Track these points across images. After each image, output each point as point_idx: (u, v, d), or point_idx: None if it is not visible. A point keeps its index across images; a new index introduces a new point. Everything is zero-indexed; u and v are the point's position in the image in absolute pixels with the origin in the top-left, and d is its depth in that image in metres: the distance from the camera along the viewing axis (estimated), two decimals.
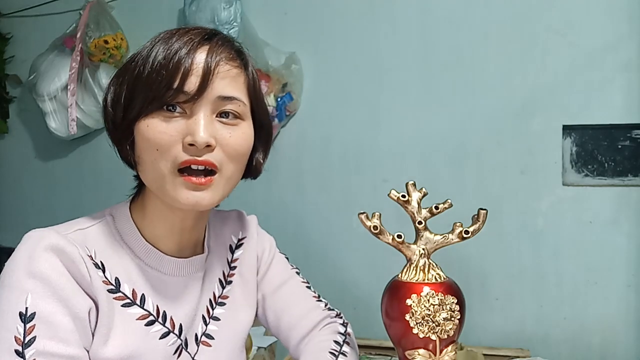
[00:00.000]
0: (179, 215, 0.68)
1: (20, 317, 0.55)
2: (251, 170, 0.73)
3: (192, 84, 0.61)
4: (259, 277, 0.84)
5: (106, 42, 1.78)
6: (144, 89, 0.61)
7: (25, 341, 0.55)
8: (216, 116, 0.63)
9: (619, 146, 1.47)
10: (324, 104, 1.70)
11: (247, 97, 0.67)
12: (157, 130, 0.61)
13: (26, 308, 0.56)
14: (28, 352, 0.55)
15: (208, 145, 0.61)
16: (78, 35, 1.78)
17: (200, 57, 0.62)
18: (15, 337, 0.55)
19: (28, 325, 0.55)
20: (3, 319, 0.56)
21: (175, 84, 0.61)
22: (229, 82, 0.64)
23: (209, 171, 0.63)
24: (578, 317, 1.50)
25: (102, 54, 1.80)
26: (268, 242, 0.87)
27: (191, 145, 0.60)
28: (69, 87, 1.80)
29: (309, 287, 0.87)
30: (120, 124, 0.64)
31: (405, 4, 1.62)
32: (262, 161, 0.74)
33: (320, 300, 0.86)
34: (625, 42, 1.46)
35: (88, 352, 0.60)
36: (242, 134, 0.65)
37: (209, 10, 1.64)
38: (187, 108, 0.62)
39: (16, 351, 0.54)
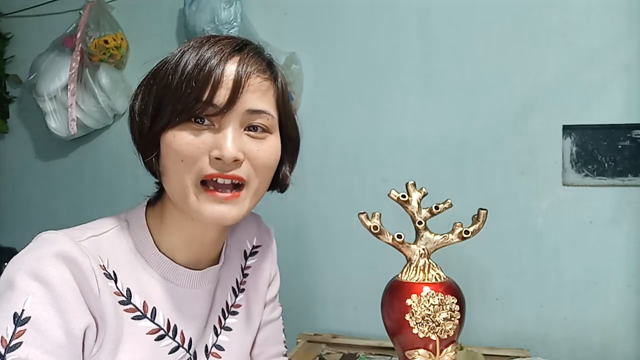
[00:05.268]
0: (200, 229, 0.66)
1: (14, 318, 0.53)
2: (278, 182, 0.72)
3: (221, 96, 0.60)
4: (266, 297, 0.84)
5: (106, 42, 1.78)
6: (172, 100, 0.60)
7: (10, 345, 0.52)
8: (244, 129, 0.62)
9: (619, 146, 1.47)
10: (324, 104, 1.70)
11: (275, 110, 0.66)
12: (183, 142, 0.60)
13: (22, 310, 0.53)
14: (9, 357, 0.52)
15: (236, 160, 0.60)
16: (78, 35, 1.78)
17: (231, 69, 0.61)
18: (2, 337, 0.53)
19: (19, 329, 0.53)
20: None
21: (205, 97, 0.59)
22: (258, 96, 0.63)
23: (236, 185, 0.62)
24: (578, 317, 1.50)
25: (102, 54, 1.80)
26: (276, 266, 0.87)
27: (218, 159, 0.59)
28: (69, 87, 1.79)
29: (283, 330, 0.89)
30: (147, 134, 0.63)
31: (405, 4, 1.62)
32: (288, 174, 0.73)
33: (286, 347, 0.88)
34: (625, 42, 1.46)
35: None
36: (270, 148, 0.65)
37: (209, 10, 1.64)
38: (215, 121, 0.61)
39: None
